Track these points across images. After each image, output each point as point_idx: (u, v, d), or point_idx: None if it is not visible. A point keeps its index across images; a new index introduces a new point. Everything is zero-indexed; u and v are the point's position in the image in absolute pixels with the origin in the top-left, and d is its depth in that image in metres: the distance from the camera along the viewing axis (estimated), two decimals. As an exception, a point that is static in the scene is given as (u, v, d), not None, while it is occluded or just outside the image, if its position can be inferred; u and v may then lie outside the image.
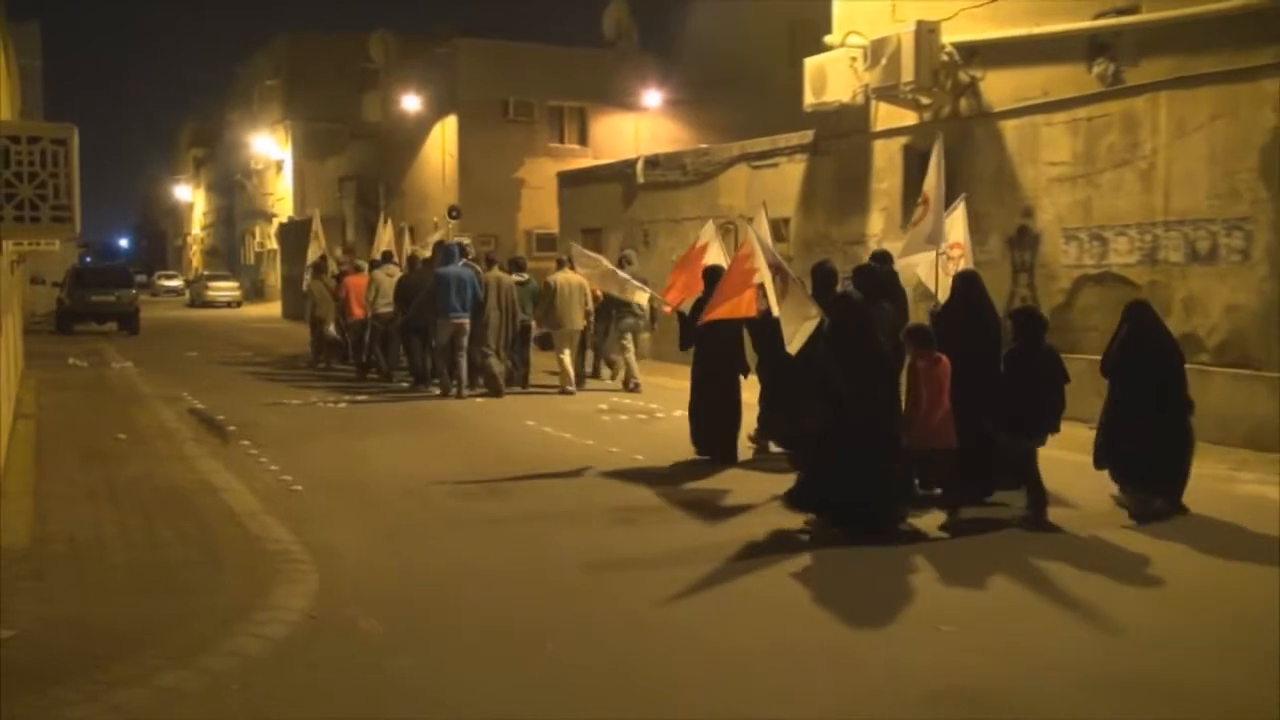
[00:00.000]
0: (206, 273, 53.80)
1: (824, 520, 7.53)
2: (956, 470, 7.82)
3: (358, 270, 18.57)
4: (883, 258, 10.33)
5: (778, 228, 16.90)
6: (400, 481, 9.42)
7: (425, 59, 33.43)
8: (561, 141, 32.78)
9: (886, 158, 15.70)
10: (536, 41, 32.09)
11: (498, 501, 8.69)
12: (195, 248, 75.33)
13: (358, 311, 17.50)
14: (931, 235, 10.56)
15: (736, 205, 18.59)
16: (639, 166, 21.74)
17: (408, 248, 20.49)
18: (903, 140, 15.40)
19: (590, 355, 16.32)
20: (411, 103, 34.30)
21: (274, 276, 45.12)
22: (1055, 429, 7.91)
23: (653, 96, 32.61)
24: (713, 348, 10.19)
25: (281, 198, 50.25)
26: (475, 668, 5.09)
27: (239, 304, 46.18)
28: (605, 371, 16.46)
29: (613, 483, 9.35)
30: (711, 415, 10.28)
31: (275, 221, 48.75)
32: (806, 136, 17.24)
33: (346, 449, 11.04)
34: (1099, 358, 8.39)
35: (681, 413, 10.95)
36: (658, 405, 13.81)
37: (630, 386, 15.49)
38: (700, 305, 9.98)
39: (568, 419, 12.87)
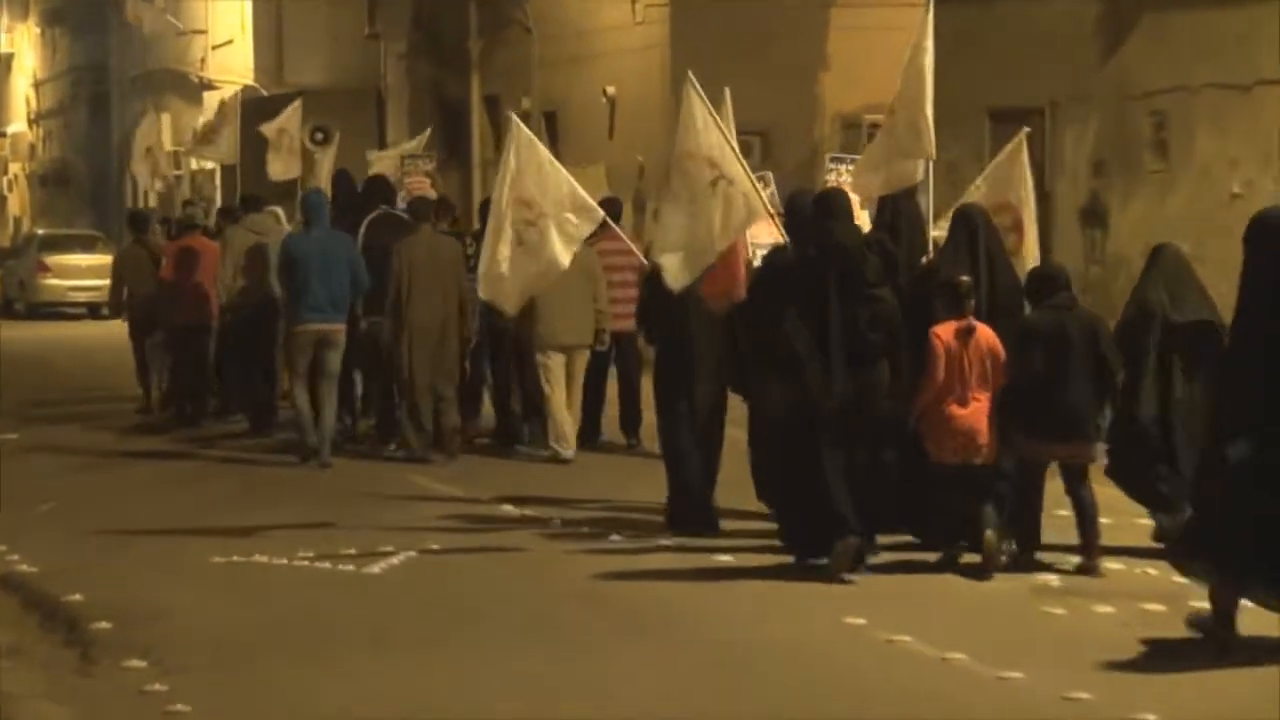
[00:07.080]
0: (42, 232, 52.86)
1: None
2: (1004, 495, 11.48)
3: (203, 229, 21.38)
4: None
5: None
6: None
7: None
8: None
9: None
10: None
11: None
12: (17, 171, 74.49)
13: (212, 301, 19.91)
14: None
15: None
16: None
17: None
18: None
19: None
20: None
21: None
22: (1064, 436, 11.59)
23: None
24: (684, 347, 13.26)
25: (227, 40, 47.88)
26: None
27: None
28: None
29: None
30: (686, 450, 13.26)
31: (213, 98, 43.39)
32: None
33: (380, 683, 10.29)
34: None
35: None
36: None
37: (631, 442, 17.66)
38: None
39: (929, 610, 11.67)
